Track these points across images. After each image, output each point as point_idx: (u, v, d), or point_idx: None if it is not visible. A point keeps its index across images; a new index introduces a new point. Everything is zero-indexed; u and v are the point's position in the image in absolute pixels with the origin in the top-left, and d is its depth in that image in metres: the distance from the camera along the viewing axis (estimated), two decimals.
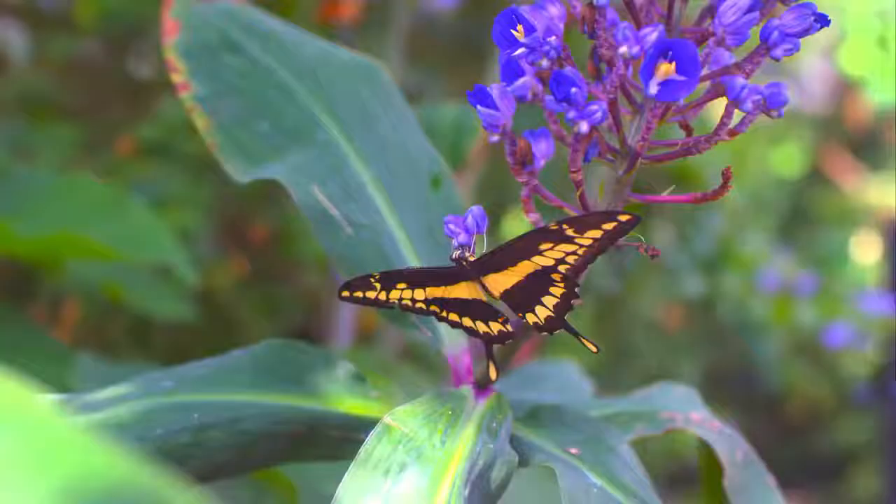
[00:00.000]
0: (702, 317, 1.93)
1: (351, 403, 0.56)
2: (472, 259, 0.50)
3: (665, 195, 0.51)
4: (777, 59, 0.49)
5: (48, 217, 0.95)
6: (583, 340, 0.51)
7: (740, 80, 0.46)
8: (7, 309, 0.99)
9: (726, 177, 0.49)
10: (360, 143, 0.61)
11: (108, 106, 1.43)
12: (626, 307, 1.80)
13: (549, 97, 0.47)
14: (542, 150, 0.51)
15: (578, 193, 0.49)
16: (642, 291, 1.80)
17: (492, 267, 0.50)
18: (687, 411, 0.62)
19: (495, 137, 0.50)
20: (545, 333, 0.51)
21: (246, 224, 1.44)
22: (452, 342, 0.57)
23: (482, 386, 0.54)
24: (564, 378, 0.76)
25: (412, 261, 0.57)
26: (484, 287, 0.50)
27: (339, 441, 0.56)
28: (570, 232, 0.47)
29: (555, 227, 0.48)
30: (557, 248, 0.48)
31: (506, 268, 0.49)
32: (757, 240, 2.02)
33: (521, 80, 0.49)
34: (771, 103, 0.49)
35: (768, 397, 2.26)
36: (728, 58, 0.51)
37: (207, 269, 1.32)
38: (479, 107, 0.49)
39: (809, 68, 2.88)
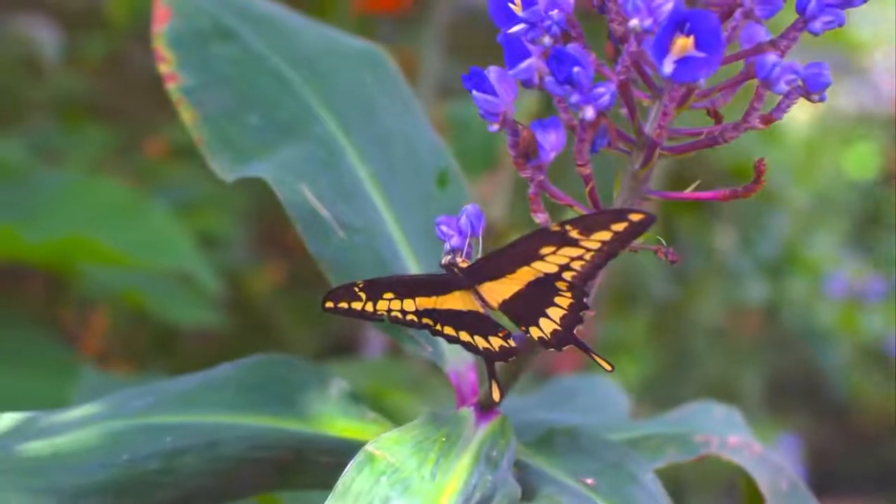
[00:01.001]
0: (766, 323, 1.85)
1: (344, 426, 0.51)
2: (463, 265, 0.43)
3: (689, 192, 0.45)
4: (815, 34, 0.42)
5: (60, 221, 0.91)
6: (596, 358, 0.44)
7: (771, 58, 0.40)
8: (17, 317, 0.95)
9: (759, 170, 0.43)
10: (360, 137, 0.55)
11: (142, 106, 1.39)
12: (686, 314, 1.73)
13: (549, 79, 0.41)
14: (552, 141, 0.45)
15: (588, 189, 0.43)
16: (703, 297, 1.73)
17: (487, 274, 0.43)
18: (724, 434, 0.55)
19: (494, 127, 0.44)
20: (554, 350, 0.44)
21: (284, 228, 1.39)
22: (455, 357, 0.51)
23: (486, 408, 0.48)
24: (598, 394, 0.69)
25: (411, 266, 0.52)
26: (480, 297, 0.44)
27: (331, 468, 0.50)
28: (574, 234, 0.41)
29: (556, 229, 0.41)
30: (560, 252, 0.42)
31: (503, 275, 0.43)
32: (825, 243, 1.93)
33: (525, 63, 0.44)
34: (811, 85, 0.43)
35: (837, 405, 2.17)
36: (763, 34, 0.44)
37: (243, 275, 1.28)
38: (474, 92, 0.43)
39: (881, 67, 2.78)
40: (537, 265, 0.42)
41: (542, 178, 0.44)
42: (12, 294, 1.11)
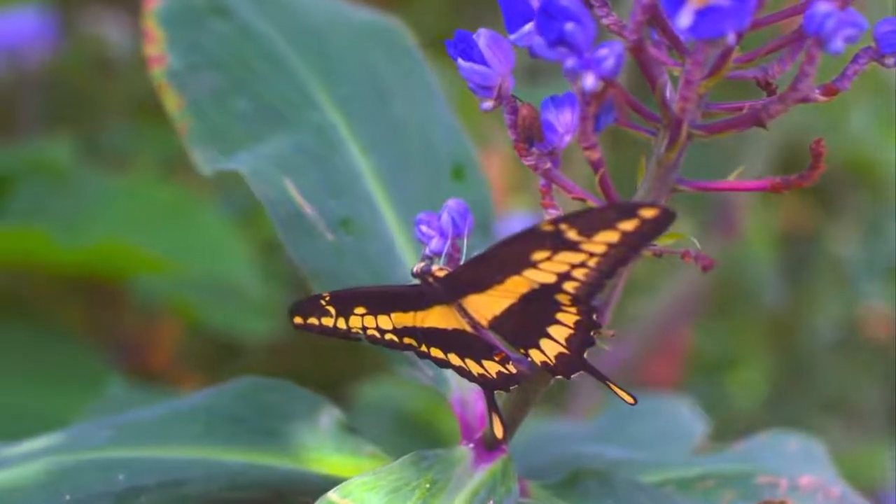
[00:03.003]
0: (891, 331, 1.72)
1: (336, 462, 0.43)
2: (439, 274, 0.35)
3: (730, 181, 0.36)
4: None
5: (101, 226, 0.85)
6: (613, 388, 0.36)
7: (822, 7, 0.31)
8: (65, 329, 0.89)
9: (816, 154, 0.34)
10: (365, 125, 0.48)
11: None
12: (802, 322, 1.61)
13: (537, 40, 0.33)
14: (565, 121, 0.36)
15: (599, 178, 0.35)
16: (820, 304, 1.61)
17: (470, 285, 0.35)
18: (797, 474, 0.46)
19: (488, 104, 0.36)
20: (562, 377, 0.36)
21: None
22: (461, 384, 0.42)
23: (489, 446, 0.39)
24: (666, 420, 0.61)
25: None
26: (465, 312, 0.36)
27: None
28: (571, 235, 0.32)
29: (549, 228, 0.33)
30: (557, 258, 0.33)
31: (490, 286, 0.35)
32: None
33: (528, 26, 0.36)
34: (884, 46, 0.34)
35: None
36: None
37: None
38: (459, 60, 0.35)
39: None
40: (530, 274, 0.34)
41: (548, 166, 0.36)
42: (67, 305, 1.06)
